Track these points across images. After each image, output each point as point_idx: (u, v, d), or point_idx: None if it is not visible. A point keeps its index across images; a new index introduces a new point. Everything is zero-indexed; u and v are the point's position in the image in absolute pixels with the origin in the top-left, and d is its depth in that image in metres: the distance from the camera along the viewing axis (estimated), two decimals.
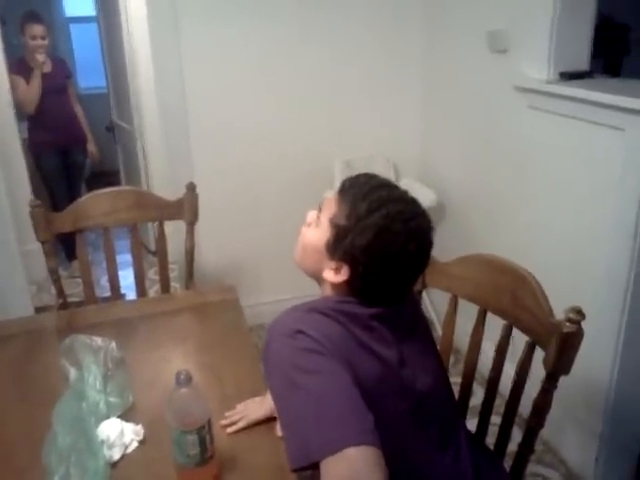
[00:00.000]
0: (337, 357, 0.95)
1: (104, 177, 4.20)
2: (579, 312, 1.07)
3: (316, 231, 1.09)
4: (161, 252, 2.01)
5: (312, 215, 1.12)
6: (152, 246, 3.72)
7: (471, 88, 2.47)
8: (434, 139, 2.84)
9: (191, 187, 1.98)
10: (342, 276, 1.04)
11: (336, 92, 2.78)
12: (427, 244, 1.05)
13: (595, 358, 1.84)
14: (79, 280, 2.14)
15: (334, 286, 1.07)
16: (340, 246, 1.03)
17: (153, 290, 3.19)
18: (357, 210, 1.01)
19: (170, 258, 2.09)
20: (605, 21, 2.65)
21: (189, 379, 1.06)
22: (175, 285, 3.13)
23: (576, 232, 1.93)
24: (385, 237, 0.99)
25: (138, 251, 2.02)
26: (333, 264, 1.05)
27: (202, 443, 1.06)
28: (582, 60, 2.00)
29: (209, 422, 1.07)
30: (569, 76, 1.96)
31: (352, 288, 1.05)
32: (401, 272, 1.03)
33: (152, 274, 3.44)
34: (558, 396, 1.18)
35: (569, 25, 1.95)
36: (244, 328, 1.62)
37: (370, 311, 1.04)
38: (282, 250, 2.91)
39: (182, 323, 1.71)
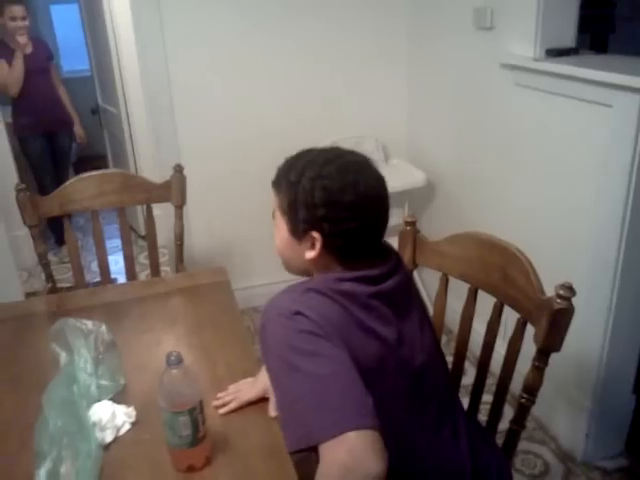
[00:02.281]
0: (336, 339, 0.95)
1: (91, 161, 4.16)
2: (569, 288, 1.08)
3: (278, 231, 1.12)
4: (150, 235, 2.00)
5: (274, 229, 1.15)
6: (142, 230, 3.70)
7: (457, 66, 2.46)
8: (422, 119, 2.83)
9: (178, 169, 1.97)
10: (317, 245, 1.05)
11: (323, 73, 2.76)
12: (367, 174, 1.05)
13: (585, 336, 1.86)
14: (69, 265, 2.12)
15: (320, 263, 1.08)
16: (298, 221, 1.05)
17: (144, 274, 3.19)
18: (290, 181, 1.05)
19: (160, 242, 2.08)
20: None
21: (180, 360, 1.05)
22: (166, 269, 3.13)
23: (565, 209, 1.94)
24: (323, 183, 1.01)
25: (126, 234, 2.01)
26: (306, 244, 1.07)
27: (194, 424, 1.06)
28: (568, 37, 1.99)
29: (201, 403, 1.07)
30: (556, 53, 1.95)
31: (333, 253, 1.06)
32: (360, 207, 1.03)
33: (142, 258, 3.42)
34: (549, 374, 1.19)
35: (555, 1, 1.94)
36: (235, 310, 1.62)
37: (369, 290, 1.04)
38: (272, 232, 2.92)
39: (173, 306, 1.71)
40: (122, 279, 2.31)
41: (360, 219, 1.04)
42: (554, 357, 1.16)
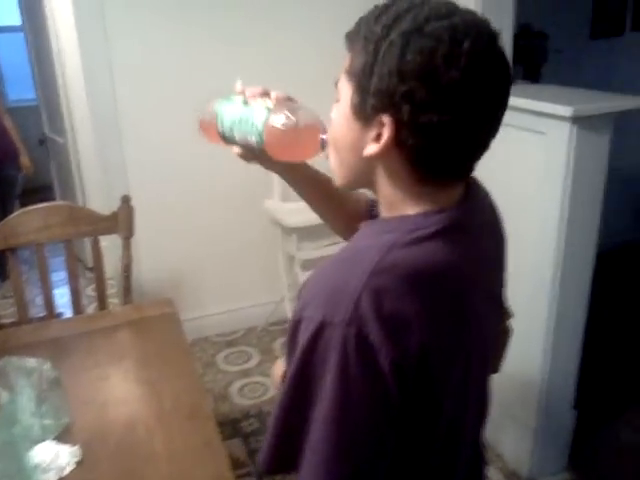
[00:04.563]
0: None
1: (37, 193, 4.06)
2: (506, 310, 1.12)
3: (338, 105, 0.77)
4: (97, 268, 1.97)
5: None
6: (90, 262, 3.63)
7: None
8: None
9: (125, 200, 1.95)
10: (385, 137, 0.70)
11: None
12: (490, 47, 0.70)
13: (527, 356, 1.91)
14: (13, 300, 2.07)
15: (385, 169, 0.74)
16: (369, 94, 0.70)
17: (91, 308, 3.12)
18: (372, 34, 0.69)
19: (109, 273, 2.05)
20: (524, 29, 2.76)
21: None
22: (114, 301, 3.08)
23: (506, 233, 2.01)
24: (421, 42, 0.66)
25: (73, 268, 1.98)
26: (371, 131, 0.72)
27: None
28: None
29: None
30: None
31: (409, 157, 0.71)
32: (468, 92, 0.67)
33: (90, 291, 3.36)
34: (496, 395, 1.22)
35: None
36: (183, 343, 1.61)
37: None
38: (222, 260, 2.92)
39: (120, 339, 1.68)
40: (68, 313, 2.26)
41: (464, 111, 0.68)
42: (499, 378, 1.19)
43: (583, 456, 2.10)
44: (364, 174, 0.77)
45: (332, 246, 2.90)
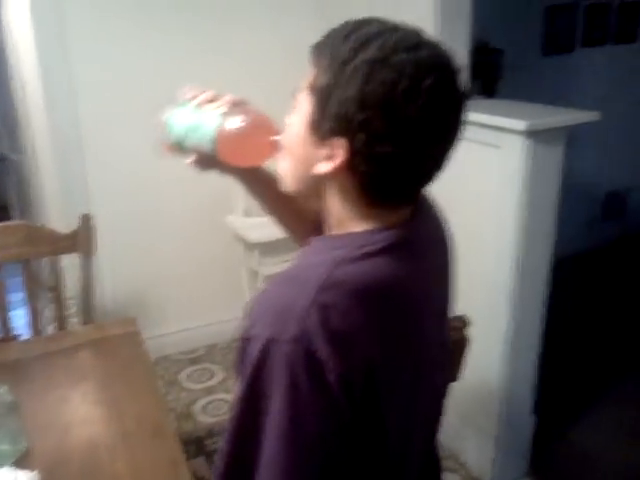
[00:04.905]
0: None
1: None
2: (462, 320, 1.14)
3: (296, 114, 0.79)
4: (57, 288, 1.94)
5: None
6: (47, 282, 3.56)
7: None
8: None
9: (86, 218, 1.93)
10: (339, 157, 0.72)
11: None
12: (454, 83, 0.72)
13: (487, 365, 1.94)
14: None
15: (338, 192, 0.76)
16: (326, 113, 0.72)
17: (51, 328, 3.05)
18: (339, 54, 0.71)
19: (69, 293, 2.01)
20: (481, 46, 2.84)
21: None
22: (74, 321, 3.02)
23: (465, 246, 2.04)
24: (384, 74, 0.67)
25: (32, 288, 1.94)
26: (325, 150, 0.73)
27: None
28: (462, 82, 2.13)
29: None
30: None
31: (359, 182, 0.73)
32: (423, 127, 0.70)
33: (50, 312, 3.28)
34: (457, 403, 1.24)
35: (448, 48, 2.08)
36: (146, 361, 1.59)
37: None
38: (185, 277, 2.90)
39: (81, 360, 1.65)
40: (27, 335, 2.21)
41: (418, 145, 0.71)
42: (460, 387, 1.22)
43: (543, 461, 2.14)
44: (313, 188, 0.79)
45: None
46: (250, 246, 2.60)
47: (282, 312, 0.69)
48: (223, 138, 0.90)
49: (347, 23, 0.74)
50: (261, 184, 1.07)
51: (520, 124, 1.70)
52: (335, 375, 0.67)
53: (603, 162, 3.70)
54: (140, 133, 2.64)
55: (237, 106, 0.95)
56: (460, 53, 2.11)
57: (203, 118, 0.94)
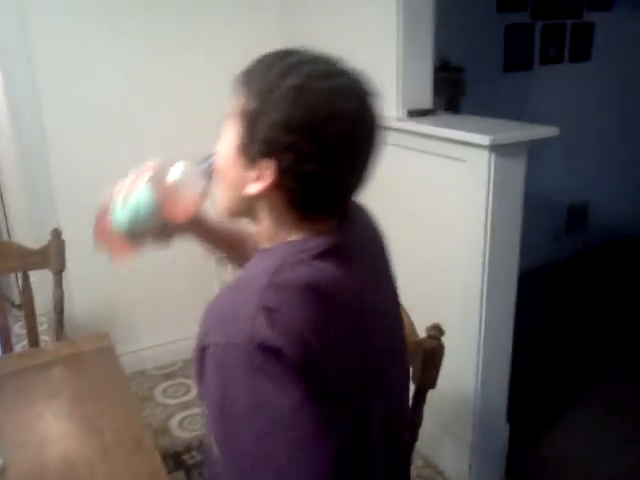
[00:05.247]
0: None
1: None
2: (438, 329, 1.18)
3: (225, 139, 0.85)
4: (27, 304, 1.92)
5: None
6: (17, 299, 3.49)
7: None
8: None
9: (56, 233, 1.92)
10: (268, 177, 0.78)
11: (199, 126, 2.79)
12: (371, 107, 0.82)
13: (460, 372, 1.99)
14: None
15: (269, 210, 0.84)
16: (254, 137, 0.78)
17: (20, 346, 3.00)
18: (266, 80, 0.78)
19: (38, 310, 1.99)
20: (443, 63, 2.93)
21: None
22: (45, 338, 2.97)
23: (435, 257, 2.10)
24: (308, 100, 0.76)
25: (1, 305, 1.92)
26: (255, 171, 0.80)
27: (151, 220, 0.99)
28: (426, 99, 2.20)
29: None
30: (416, 113, 2.15)
31: (289, 199, 0.81)
32: (346, 149, 0.79)
33: (18, 329, 3.22)
34: (433, 412, 1.28)
35: (412, 67, 2.14)
36: (121, 375, 1.59)
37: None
38: (157, 292, 2.88)
39: (54, 376, 1.63)
40: None
41: (341, 163, 0.80)
42: (436, 395, 1.25)
43: (518, 467, 2.19)
44: (246, 207, 0.86)
45: None
46: (221, 260, 2.61)
47: (232, 318, 0.75)
48: (162, 197, 0.96)
49: (271, 54, 0.83)
50: (217, 232, 1.18)
51: (484, 139, 1.77)
52: (293, 368, 0.72)
53: (565, 176, 3.83)
54: (110, 149, 2.65)
55: (160, 167, 1.00)
56: (424, 70, 2.18)
57: (136, 198, 0.99)
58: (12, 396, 1.53)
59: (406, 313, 1.29)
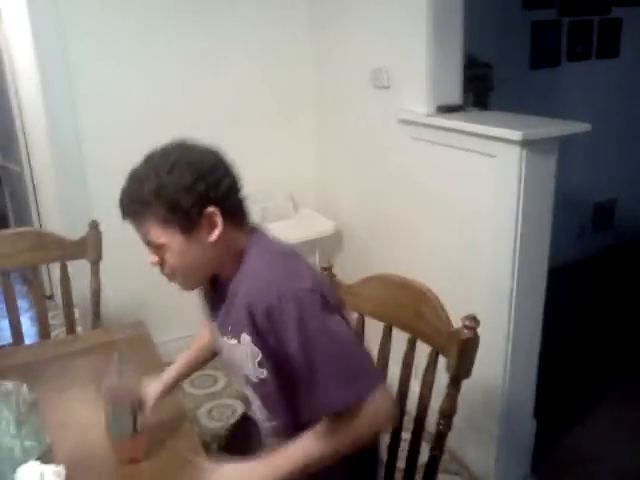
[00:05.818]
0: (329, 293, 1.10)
1: None
2: (474, 319, 1.20)
3: (169, 252, 1.09)
4: (65, 292, 1.97)
5: (152, 258, 1.13)
6: (47, 290, 3.58)
7: (359, 121, 2.64)
8: (329, 171, 2.99)
9: (94, 225, 1.97)
10: (218, 218, 1.07)
11: (231, 126, 2.85)
12: (199, 147, 1.13)
13: (488, 365, 1.99)
14: None
15: (225, 239, 1.09)
16: (187, 213, 1.05)
17: (53, 335, 3.06)
18: (152, 193, 1.04)
19: (64, 302, 2.03)
20: (471, 60, 2.93)
21: (121, 360, 1.21)
22: (78, 328, 3.03)
23: (463, 249, 2.12)
24: (181, 167, 1.05)
25: (39, 293, 1.98)
26: (205, 229, 1.07)
27: (135, 415, 1.20)
28: (455, 95, 2.21)
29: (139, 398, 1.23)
30: (445, 109, 2.17)
31: (231, 220, 1.09)
32: (220, 165, 1.11)
33: (50, 319, 3.29)
34: (460, 406, 1.29)
35: (442, 63, 2.15)
36: (158, 361, 1.63)
37: None
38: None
39: (93, 362, 1.68)
40: (30, 341, 2.24)
41: (229, 175, 1.11)
42: (463, 387, 1.27)
43: (545, 463, 2.20)
44: (211, 261, 1.12)
45: None
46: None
47: (287, 278, 1.06)
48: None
49: (126, 189, 1.11)
50: (184, 375, 1.47)
51: (516, 134, 1.78)
52: (335, 306, 1.11)
53: (591, 173, 3.81)
54: (143, 145, 2.69)
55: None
56: (453, 66, 2.20)
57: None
58: (53, 380, 1.58)
59: (441, 305, 1.31)
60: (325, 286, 1.12)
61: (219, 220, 1.06)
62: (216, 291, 1.21)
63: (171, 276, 1.14)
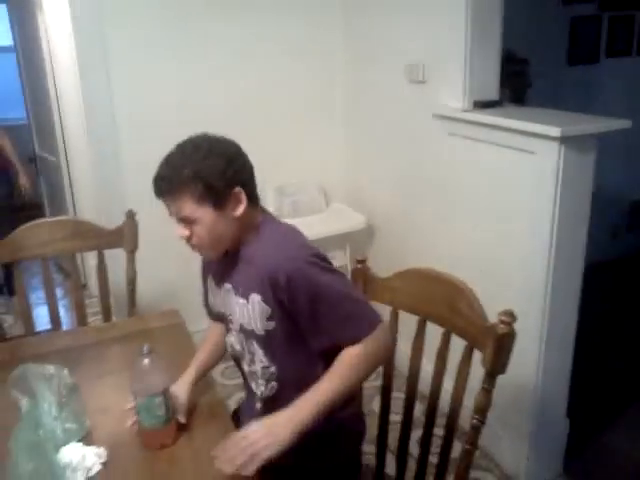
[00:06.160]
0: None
1: (25, 210, 4.06)
2: (511, 314, 1.19)
3: (200, 225, 1.25)
4: (102, 280, 2.01)
5: (182, 232, 1.28)
6: (80, 279, 3.65)
7: (392, 115, 2.63)
8: (360, 164, 2.99)
9: (130, 214, 2.00)
10: (243, 196, 1.25)
11: (264, 119, 2.88)
12: (221, 138, 1.31)
13: (521, 362, 1.98)
14: (5, 317, 2.09)
15: (246, 215, 1.27)
16: (219, 193, 1.23)
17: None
18: (190, 175, 1.21)
19: (101, 290, 2.06)
20: (508, 55, 2.90)
21: (150, 350, 1.24)
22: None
23: (497, 245, 2.10)
24: (215, 154, 1.24)
25: (77, 281, 2.02)
26: (232, 205, 1.25)
27: (167, 404, 1.24)
28: (492, 90, 2.19)
29: (168, 388, 1.27)
30: (482, 104, 2.15)
31: (251, 200, 1.28)
32: (242, 154, 1.30)
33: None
34: (492, 403, 1.29)
35: (479, 58, 2.14)
36: (192, 351, 1.65)
37: None
38: None
39: (129, 349, 1.70)
40: (66, 328, 2.28)
41: (248, 161, 1.31)
42: (496, 386, 1.26)
43: (577, 463, 2.17)
44: (234, 232, 1.29)
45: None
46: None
47: (300, 246, 1.28)
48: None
49: (163, 170, 1.27)
50: (207, 368, 1.54)
51: (555, 130, 1.75)
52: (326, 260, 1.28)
53: (628, 172, 3.74)
54: (177, 136, 2.72)
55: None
56: (491, 61, 2.17)
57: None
58: (92, 366, 1.62)
59: (477, 299, 1.31)
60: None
61: (244, 198, 1.26)
62: (228, 257, 1.36)
63: (198, 247, 1.30)
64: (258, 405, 1.40)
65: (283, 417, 1.14)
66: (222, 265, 1.39)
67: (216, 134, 1.30)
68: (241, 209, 1.26)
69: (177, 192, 1.22)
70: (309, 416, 1.14)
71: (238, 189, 1.25)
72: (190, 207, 1.23)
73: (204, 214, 1.24)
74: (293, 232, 1.33)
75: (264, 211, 1.37)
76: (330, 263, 1.28)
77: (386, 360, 1.39)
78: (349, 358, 1.21)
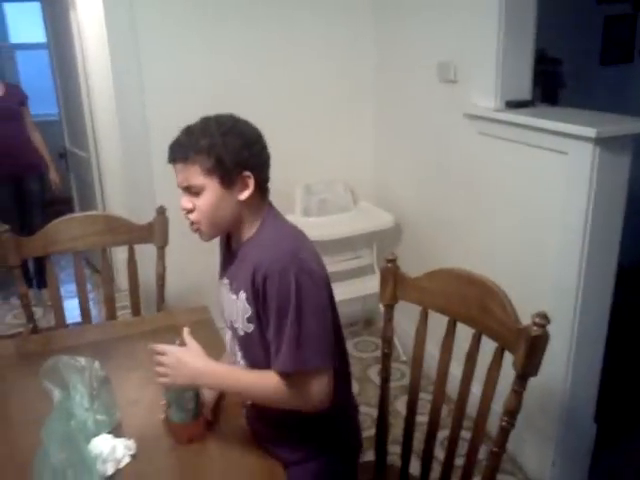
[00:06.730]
0: (327, 285, 1.27)
1: (55, 205, 4.13)
2: (544, 316, 1.17)
3: (204, 197, 1.24)
4: (132, 275, 2.04)
5: (186, 204, 1.26)
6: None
7: (423, 114, 2.61)
8: (389, 163, 2.97)
9: (161, 211, 2.02)
10: (251, 182, 1.24)
11: (295, 119, 2.88)
12: (262, 135, 1.32)
13: (550, 365, 1.94)
14: (37, 309, 2.12)
15: (251, 202, 1.26)
16: (229, 170, 1.22)
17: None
18: (206, 144, 1.22)
19: (131, 285, 2.08)
20: (540, 55, 2.86)
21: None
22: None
23: (528, 246, 2.07)
24: (236, 132, 1.25)
25: (108, 275, 2.04)
26: (239, 187, 1.25)
27: (197, 398, 1.26)
28: (525, 90, 2.16)
29: None
30: (514, 104, 2.12)
31: (259, 189, 1.27)
32: (261, 143, 1.30)
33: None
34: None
35: (512, 58, 2.11)
36: (221, 346, 1.66)
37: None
38: None
39: (160, 343, 1.73)
40: (95, 322, 2.31)
41: (266, 150, 1.30)
42: None
43: (603, 470, 2.14)
44: (235, 216, 1.28)
45: (350, 261, 2.98)
46: None
47: (295, 254, 1.21)
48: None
49: (183, 136, 1.28)
50: None
51: (590, 131, 1.72)
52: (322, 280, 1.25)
53: None
54: None
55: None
56: (524, 61, 2.15)
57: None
58: (121, 359, 1.64)
59: (509, 300, 1.29)
60: (322, 269, 1.28)
61: (251, 183, 1.24)
62: (230, 252, 1.38)
63: (197, 223, 1.27)
64: (248, 401, 1.39)
65: (196, 366, 1.24)
66: (226, 259, 1.41)
67: (242, 118, 1.31)
68: (246, 194, 1.25)
69: (189, 160, 1.22)
70: (210, 384, 1.28)
71: (248, 173, 1.24)
72: (198, 177, 1.22)
73: (210, 187, 1.23)
74: (293, 235, 1.30)
75: (271, 206, 1.34)
76: (320, 284, 1.23)
77: (309, 410, 1.23)
78: (274, 384, 1.19)
